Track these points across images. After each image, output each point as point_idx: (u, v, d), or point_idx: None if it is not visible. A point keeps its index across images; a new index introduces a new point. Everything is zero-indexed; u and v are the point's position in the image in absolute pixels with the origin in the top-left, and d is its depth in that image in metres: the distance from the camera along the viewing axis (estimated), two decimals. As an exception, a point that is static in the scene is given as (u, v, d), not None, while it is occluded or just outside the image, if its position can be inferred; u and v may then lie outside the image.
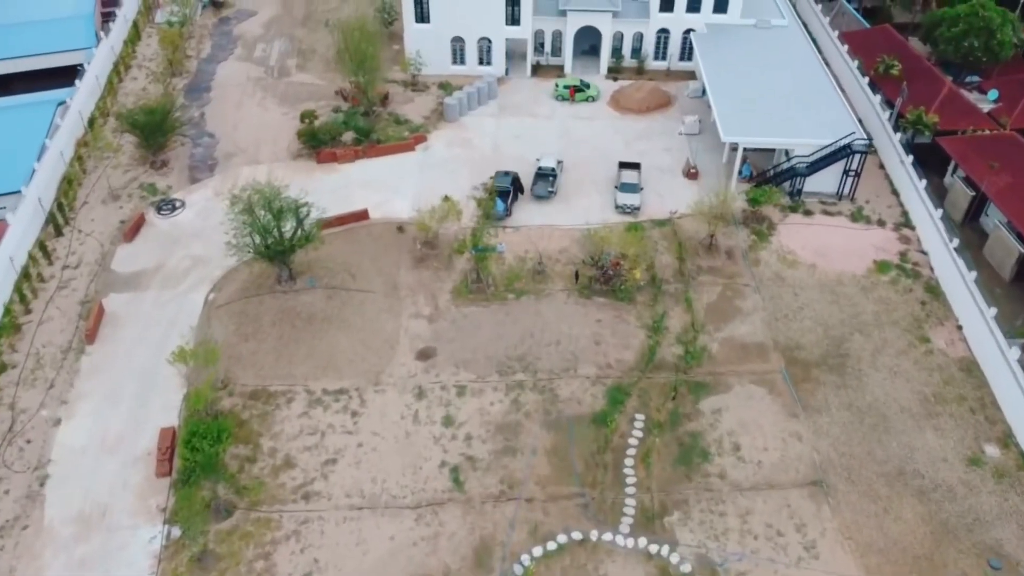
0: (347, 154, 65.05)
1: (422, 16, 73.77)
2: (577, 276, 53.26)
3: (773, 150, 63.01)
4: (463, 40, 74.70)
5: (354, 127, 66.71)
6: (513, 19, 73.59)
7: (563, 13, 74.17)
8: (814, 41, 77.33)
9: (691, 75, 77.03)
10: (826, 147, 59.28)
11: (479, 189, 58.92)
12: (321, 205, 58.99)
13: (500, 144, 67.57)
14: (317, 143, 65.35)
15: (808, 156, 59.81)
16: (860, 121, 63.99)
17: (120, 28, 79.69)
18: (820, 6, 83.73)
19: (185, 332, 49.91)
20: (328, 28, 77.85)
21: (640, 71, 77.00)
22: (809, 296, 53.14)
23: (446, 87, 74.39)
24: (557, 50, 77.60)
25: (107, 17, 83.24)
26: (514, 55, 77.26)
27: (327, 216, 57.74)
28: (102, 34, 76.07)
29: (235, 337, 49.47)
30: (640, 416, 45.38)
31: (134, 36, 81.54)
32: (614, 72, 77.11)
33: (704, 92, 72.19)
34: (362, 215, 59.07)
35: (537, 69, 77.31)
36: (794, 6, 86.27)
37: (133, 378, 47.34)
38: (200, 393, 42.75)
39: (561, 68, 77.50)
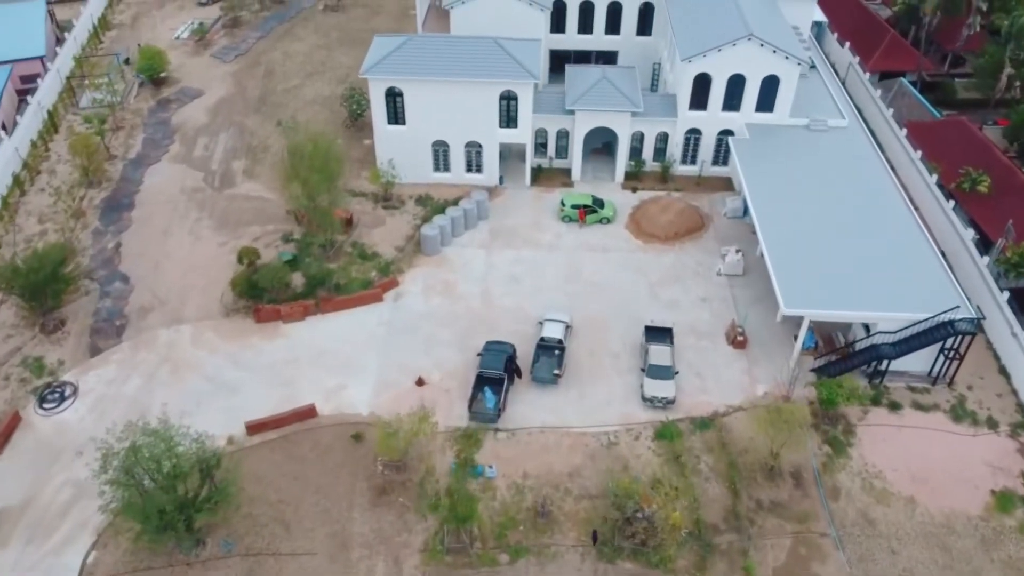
0: (295, 311, 50.69)
1: (396, 117, 59.40)
2: (596, 538, 38.84)
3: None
4: (447, 144, 60.38)
5: (304, 272, 52.38)
6: (508, 120, 59.23)
7: (571, 112, 59.93)
8: (874, 136, 63.30)
9: (727, 183, 62.75)
10: (920, 322, 45.00)
11: (455, 455, 42.96)
12: (255, 393, 45.60)
13: (492, 291, 53.21)
14: (257, 294, 51.07)
15: (894, 331, 45.54)
16: (944, 256, 50.13)
17: (31, 121, 65.19)
18: (880, 91, 69.40)
19: (47, 627, 35.64)
20: (281, 129, 63.36)
21: (665, 178, 62.65)
22: (912, 555, 38.81)
23: (426, 202, 60.10)
24: (563, 150, 63.29)
25: (24, 96, 69.07)
26: (510, 155, 63.04)
27: (259, 419, 43.94)
28: (2, 134, 61.59)
29: (110, 648, 35.16)
30: None
31: (50, 128, 67.14)
32: (633, 178, 62.74)
33: (745, 212, 58.03)
34: (307, 413, 44.76)
35: (538, 174, 62.94)
36: (843, 82, 72.12)
37: None
38: None
39: (568, 173, 63.17)
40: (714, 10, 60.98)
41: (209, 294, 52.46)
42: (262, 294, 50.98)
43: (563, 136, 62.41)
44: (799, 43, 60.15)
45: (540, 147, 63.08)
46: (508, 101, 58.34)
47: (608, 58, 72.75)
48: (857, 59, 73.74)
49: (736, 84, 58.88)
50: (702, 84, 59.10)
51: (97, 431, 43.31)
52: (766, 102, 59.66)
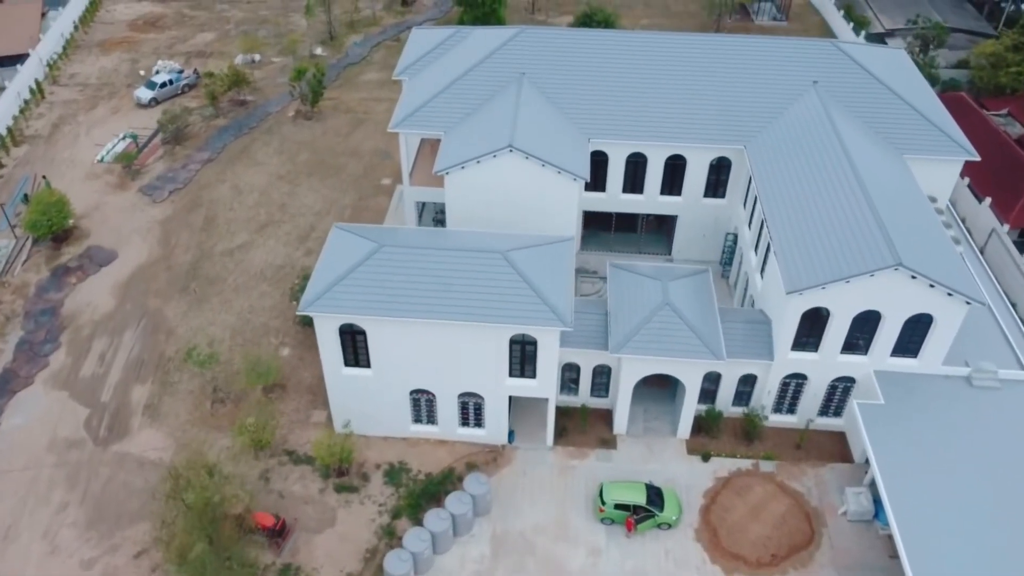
0: None
1: (356, 359, 40.06)
2: None
3: None
4: (431, 394, 41.07)
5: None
6: (523, 367, 39.78)
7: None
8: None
9: (840, 443, 43.01)
10: None
11: None
12: None
13: None
14: None
15: None
16: None
17: None
18: (1048, 288, 49.36)
19: None
20: (191, 362, 43.94)
21: (750, 435, 42.93)
22: None
23: (399, 476, 40.92)
24: (601, 388, 43.81)
25: None
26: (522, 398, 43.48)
27: None
28: None
29: None
30: None
31: None
32: (704, 432, 43.09)
33: (878, 513, 38.66)
34: None
35: (566, 420, 43.38)
36: (981, 251, 52.31)
37: None
38: None
39: (607, 419, 43.70)
40: (831, 198, 41.20)
41: None
42: None
43: (602, 372, 42.97)
44: (965, 269, 39.93)
45: (569, 384, 43.70)
46: (523, 345, 38.93)
47: (662, 222, 53.45)
48: (1006, 227, 53.63)
49: (866, 322, 39.15)
50: (814, 319, 39.42)
51: None
52: (909, 345, 39.86)
